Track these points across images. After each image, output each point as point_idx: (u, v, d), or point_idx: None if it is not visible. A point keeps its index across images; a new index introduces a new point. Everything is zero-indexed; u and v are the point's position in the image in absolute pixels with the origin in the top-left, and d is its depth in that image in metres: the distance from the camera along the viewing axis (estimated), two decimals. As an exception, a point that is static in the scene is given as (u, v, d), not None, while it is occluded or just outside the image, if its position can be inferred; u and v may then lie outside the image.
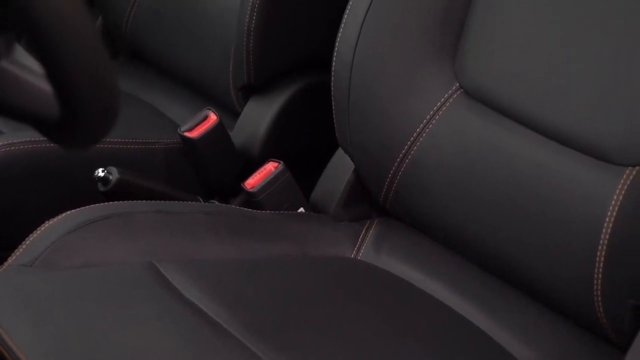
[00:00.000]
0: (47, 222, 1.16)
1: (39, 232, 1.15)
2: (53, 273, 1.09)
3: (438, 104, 1.25)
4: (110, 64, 0.78)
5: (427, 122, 1.25)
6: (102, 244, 1.16)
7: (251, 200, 1.39)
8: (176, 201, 1.34)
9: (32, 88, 0.79)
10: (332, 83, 1.31)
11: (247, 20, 1.46)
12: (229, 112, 1.59)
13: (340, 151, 1.38)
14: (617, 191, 1.09)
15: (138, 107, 1.70)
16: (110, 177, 1.36)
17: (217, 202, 1.50)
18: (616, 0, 1.13)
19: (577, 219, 1.11)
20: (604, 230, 1.09)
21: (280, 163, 1.40)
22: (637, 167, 1.09)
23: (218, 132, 1.46)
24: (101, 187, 1.37)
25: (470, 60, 1.25)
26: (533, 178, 1.16)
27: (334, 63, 1.30)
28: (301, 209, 1.41)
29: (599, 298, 1.10)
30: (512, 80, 1.20)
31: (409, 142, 1.26)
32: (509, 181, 1.18)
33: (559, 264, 1.14)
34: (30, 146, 1.38)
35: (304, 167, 1.44)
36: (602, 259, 1.09)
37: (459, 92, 1.25)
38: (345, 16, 1.28)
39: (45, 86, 0.78)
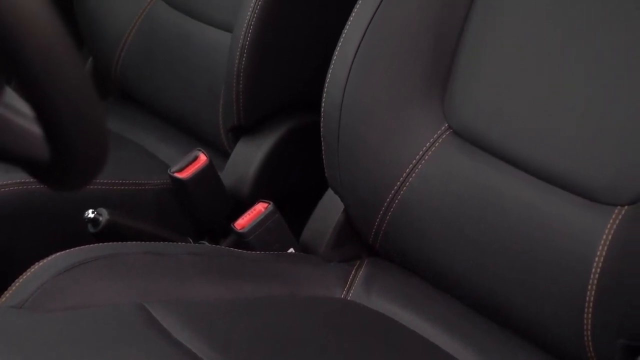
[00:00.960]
0: (37, 263, 1.16)
1: (28, 273, 1.14)
2: (43, 315, 1.09)
3: (427, 144, 1.26)
4: (100, 106, 0.78)
5: (417, 163, 1.25)
6: (92, 286, 1.16)
7: (241, 240, 1.39)
8: (166, 242, 1.34)
9: (22, 131, 0.79)
10: (321, 123, 1.31)
11: (236, 61, 1.46)
12: (219, 152, 1.59)
13: (330, 191, 1.38)
14: (606, 231, 1.09)
15: (128, 148, 1.70)
16: (100, 219, 1.36)
17: (207, 243, 1.49)
18: (602, 41, 1.14)
19: (567, 258, 1.12)
20: (593, 269, 1.09)
21: (270, 204, 1.40)
22: (625, 207, 1.09)
23: (208, 173, 1.47)
24: (91, 229, 1.37)
25: (458, 100, 1.25)
26: (522, 217, 1.16)
27: (323, 103, 1.30)
28: (291, 250, 1.41)
29: (589, 338, 1.10)
30: (500, 120, 1.21)
31: (398, 183, 1.26)
32: (498, 221, 1.18)
33: (548, 303, 1.14)
34: (20, 187, 1.38)
35: (294, 208, 1.44)
36: (592, 298, 1.09)
37: (448, 133, 1.26)
38: (335, 57, 1.29)
39: (35, 129, 0.78)
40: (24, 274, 1.14)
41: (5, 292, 1.12)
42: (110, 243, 1.24)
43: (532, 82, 1.19)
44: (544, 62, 1.18)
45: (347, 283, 1.34)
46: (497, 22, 1.24)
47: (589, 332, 1.10)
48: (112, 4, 1.76)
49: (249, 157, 1.54)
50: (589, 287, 1.09)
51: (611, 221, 1.09)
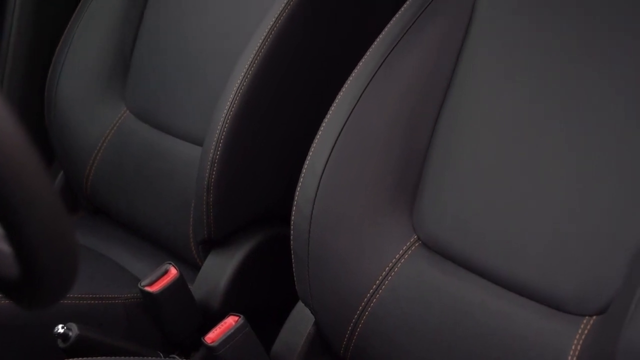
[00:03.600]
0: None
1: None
2: None
3: (397, 256, 1.26)
4: (70, 223, 0.78)
5: (386, 275, 1.26)
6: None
7: (212, 354, 1.38)
8: (136, 357, 1.33)
9: (-9, 248, 0.80)
10: (291, 236, 1.32)
11: (207, 175, 1.47)
12: (190, 266, 1.59)
13: (300, 304, 1.38)
14: (575, 341, 1.09)
15: (98, 262, 1.70)
16: (70, 334, 1.35)
17: (177, 357, 1.48)
18: (566, 158, 1.16)
19: (538, 368, 1.12)
20: (564, 379, 1.09)
21: (240, 317, 1.40)
22: (594, 317, 1.09)
23: (178, 287, 1.46)
24: (61, 344, 1.35)
25: (426, 211, 1.26)
26: (492, 328, 1.16)
27: (293, 216, 1.31)
28: (262, 363, 1.40)
29: None
30: (468, 232, 1.22)
31: (368, 295, 1.26)
32: (469, 331, 1.18)
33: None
34: (-12, 302, 1.37)
35: (265, 321, 1.43)
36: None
37: (417, 245, 1.26)
38: (304, 170, 1.30)
39: (4, 247, 0.78)
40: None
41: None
42: (81, 358, 1.23)
43: (499, 193, 1.20)
44: (509, 175, 1.20)
45: (319, 395, 1.33)
46: (463, 133, 1.26)
47: None
48: (83, 118, 1.77)
49: (219, 270, 1.54)
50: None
51: (580, 331, 1.09)
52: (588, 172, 1.14)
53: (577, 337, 1.09)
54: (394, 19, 1.32)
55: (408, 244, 1.27)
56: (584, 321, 1.10)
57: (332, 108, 1.30)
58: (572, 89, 1.17)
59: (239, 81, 1.46)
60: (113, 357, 1.26)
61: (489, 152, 1.23)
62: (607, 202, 1.12)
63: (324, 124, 1.30)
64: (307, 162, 1.30)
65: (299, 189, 1.30)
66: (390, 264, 1.26)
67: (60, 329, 1.35)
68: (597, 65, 1.16)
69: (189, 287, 1.50)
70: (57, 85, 1.78)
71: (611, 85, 1.15)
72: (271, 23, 1.47)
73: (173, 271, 1.46)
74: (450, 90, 1.29)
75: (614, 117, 1.13)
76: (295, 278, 1.34)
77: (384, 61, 1.28)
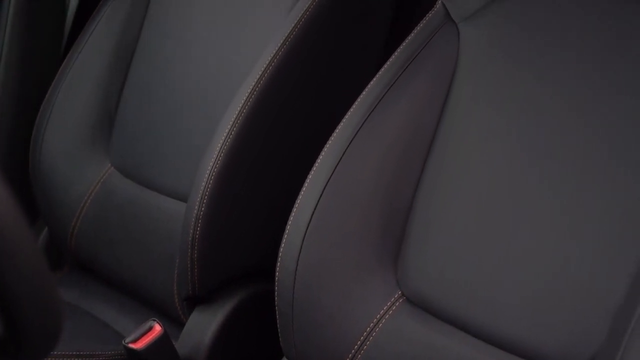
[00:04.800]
0: None
1: None
2: None
3: (381, 312, 1.26)
4: (53, 280, 0.78)
5: (371, 331, 1.26)
6: None
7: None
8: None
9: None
10: (275, 292, 1.32)
11: (191, 231, 1.47)
12: (174, 322, 1.58)
13: (285, 360, 1.38)
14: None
15: (83, 319, 1.69)
16: (54, 392, 1.34)
17: (161, 414, 1.47)
18: (549, 213, 1.16)
19: None
20: None
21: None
22: (578, 373, 1.10)
23: (163, 343, 1.45)
24: (43, 402, 1.35)
25: (410, 268, 1.27)
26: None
27: (277, 272, 1.31)
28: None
29: None
30: (452, 288, 1.22)
31: (352, 351, 1.26)
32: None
33: None
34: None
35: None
36: None
37: (401, 300, 1.26)
38: (288, 227, 1.30)
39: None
40: None
41: None
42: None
43: (483, 249, 1.20)
44: (494, 231, 1.20)
45: None
46: (447, 188, 1.26)
47: None
48: (67, 174, 1.77)
49: (203, 326, 1.54)
50: None
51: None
52: (571, 230, 1.14)
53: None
54: (377, 75, 1.33)
55: (392, 299, 1.27)
56: (569, 377, 1.10)
57: (316, 164, 1.30)
58: (555, 143, 1.18)
59: (223, 137, 1.47)
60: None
61: (472, 207, 1.23)
62: (591, 260, 1.12)
63: (307, 181, 1.30)
64: (291, 218, 1.30)
65: (283, 245, 1.30)
66: (375, 320, 1.26)
67: (43, 386, 1.35)
68: (581, 114, 1.18)
69: (174, 343, 1.49)
70: (42, 141, 1.78)
71: (594, 134, 1.16)
72: (255, 80, 1.48)
73: (157, 328, 1.45)
74: (433, 145, 1.30)
75: (599, 170, 1.14)
76: (279, 334, 1.34)
77: (367, 118, 1.29)
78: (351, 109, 1.32)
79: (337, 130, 1.31)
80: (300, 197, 1.30)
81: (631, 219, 1.11)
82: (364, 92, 1.32)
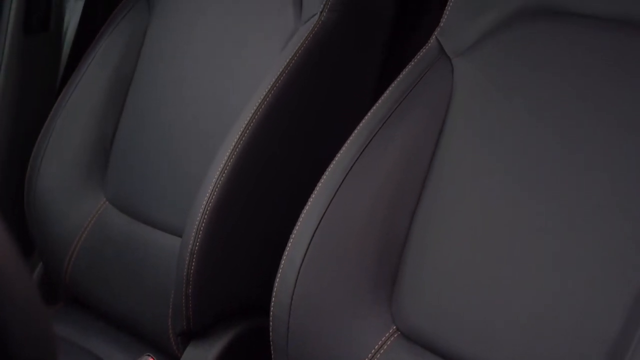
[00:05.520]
0: None
1: None
2: None
3: (376, 347, 1.26)
4: (48, 314, 0.78)
5: (365, 367, 1.26)
6: None
7: None
8: None
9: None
10: (270, 327, 1.32)
11: (186, 266, 1.47)
12: (169, 357, 1.58)
13: (280, 396, 1.37)
14: None
15: (77, 354, 1.68)
16: None
17: None
18: (545, 247, 1.17)
19: None
20: None
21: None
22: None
23: (157, 378, 1.45)
24: None
25: (405, 302, 1.26)
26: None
27: (272, 307, 1.31)
28: None
29: None
30: (447, 323, 1.22)
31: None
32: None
33: None
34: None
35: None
36: None
37: (396, 335, 1.26)
38: (283, 262, 1.30)
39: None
40: None
41: None
42: None
43: (478, 283, 1.20)
44: (489, 264, 1.20)
45: None
46: (441, 222, 1.27)
47: None
48: (63, 209, 1.77)
49: (198, 362, 1.54)
50: None
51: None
52: (566, 263, 1.14)
53: None
54: (372, 110, 1.34)
55: (387, 334, 1.26)
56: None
57: (311, 199, 1.30)
58: (549, 177, 1.19)
59: (218, 171, 1.47)
60: None
61: (467, 241, 1.23)
62: (586, 292, 1.12)
63: (302, 215, 1.30)
64: (285, 253, 1.30)
65: (277, 280, 1.30)
66: (370, 355, 1.25)
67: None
68: (576, 149, 1.18)
69: (169, 378, 1.49)
70: (38, 175, 1.78)
71: (590, 168, 1.16)
72: (250, 114, 1.48)
73: (152, 363, 1.45)
74: (428, 179, 1.30)
75: (594, 203, 1.15)
76: (275, 369, 1.33)
77: (361, 153, 1.30)
78: (346, 144, 1.32)
79: (332, 165, 1.31)
80: (294, 231, 1.30)
81: (626, 249, 1.11)
82: (358, 127, 1.32)
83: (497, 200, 1.22)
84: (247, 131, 1.48)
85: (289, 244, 1.30)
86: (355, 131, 1.32)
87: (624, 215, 1.13)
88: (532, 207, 1.19)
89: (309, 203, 1.31)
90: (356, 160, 1.30)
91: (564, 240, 1.15)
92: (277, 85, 1.50)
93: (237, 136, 1.48)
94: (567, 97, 1.21)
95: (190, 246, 1.47)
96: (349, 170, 1.29)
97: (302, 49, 1.51)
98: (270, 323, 1.31)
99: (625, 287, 1.10)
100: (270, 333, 1.31)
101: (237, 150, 1.47)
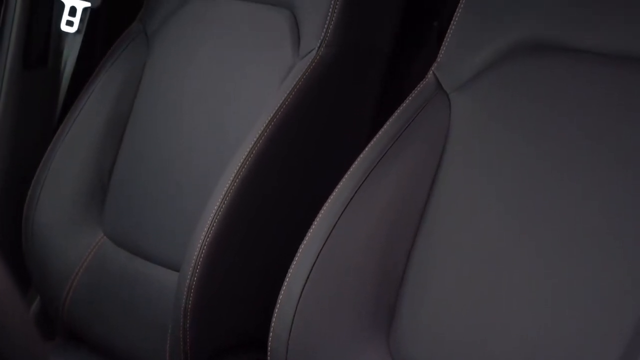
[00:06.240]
0: None
1: None
2: None
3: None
4: (45, 350, 0.78)
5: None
6: None
7: None
8: None
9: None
10: (268, 362, 1.32)
11: (183, 301, 1.47)
12: (167, 391, 1.58)
13: None
14: None
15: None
16: None
17: None
18: (541, 280, 1.17)
19: None
20: None
21: None
22: None
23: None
24: None
25: (404, 336, 1.26)
26: None
27: (270, 343, 1.30)
28: None
29: None
30: (446, 354, 1.21)
31: None
32: None
33: None
34: None
35: None
36: None
37: (395, 369, 1.26)
38: (281, 297, 1.30)
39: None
40: None
41: None
42: None
43: (477, 315, 1.20)
44: (488, 296, 1.20)
45: None
46: (439, 255, 1.27)
47: None
48: (60, 244, 1.77)
49: (195, 397, 1.53)
50: None
51: None
52: (565, 296, 1.14)
53: None
54: (369, 145, 1.34)
55: (386, 367, 1.26)
56: None
57: (309, 234, 1.30)
58: (548, 212, 1.19)
59: (216, 206, 1.47)
60: None
61: (464, 275, 1.23)
62: (583, 329, 1.12)
63: (300, 250, 1.30)
64: (283, 288, 1.30)
65: (275, 314, 1.30)
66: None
67: None
68: (574, 182, 1.19)
69: (166, 414, 1.48)
70: (35, 209, 1.78)
71: (588, 201, 1.17)
72: (248, 150, 1.49)
73: (149, 398, 1.45)
74: (425, 214, 1.30)
75: (592, 238, 1.15)
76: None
77: (359, 188, 1.30)
78: (344, 178, 1.32)
79: (330, 199, 1.32)
80: (292, 265, 1.30)
81: (623, 279, 1.11)
82: (356, 162, 1.33)
83: (495, 233, 1.22)
84: (245, 165, 1.48)
85: (287, 278, 1.30)
86: (353, 166, 1.33)
87: (620, 246, 1.13)
88: (530, 239, 1.19)
89: (307, 237, 1.31)
90: (354, 194, 1.30)
91: (562, 272, 1.15)
92: (275, 119, 1.50)
93: (235, 170, 1.48)
94: (564, 130, 1.22)
95: (187, 281, 1.47)
96: (347, 204, 1.29)
97: (300, 83, 1.52)
98: (268, 357, 1.31)
99: (624, 316, 1.10)
100: (268, 368, 1.31)
101: (235, 184, 1.48)
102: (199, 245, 1.46)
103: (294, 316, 1.27)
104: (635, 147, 1.16)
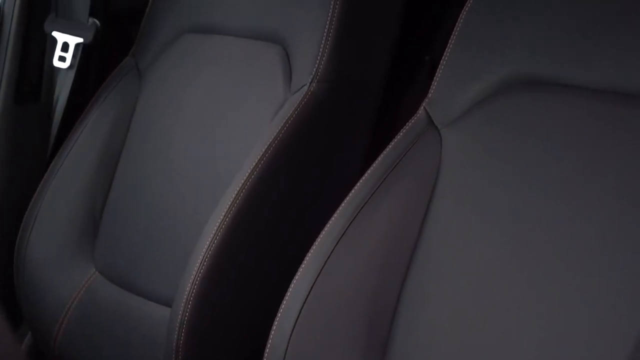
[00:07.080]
0: None
1: None
2: None
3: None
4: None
5: None
6: None
7: None
8: None
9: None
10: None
11: (175, 337, 1.47)
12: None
13: None
14: None
15: None
16: None
17: None
18: (537, 308, 1.17)
19: None
20: None
21: None
22: None
23: None
24: None
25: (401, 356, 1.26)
26: None
27: (266, 353, 1.30)
28: None
29: None
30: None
31: None
32: None
33: None
34: None
35: None
36: None
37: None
38: (273, 332, 1.29)
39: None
40: None
41: None
42: None
43: (471, 347, 1.20)
44: (481, 326, 1.20)
45: None
46: (432, 286, 1.27)
47: None
48: (52, 279, 1.77)
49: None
50: None
51: None
52: (557, 324, 1.14)
53: None
54: (360, 181, 1.34)
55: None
56: None
57: (301, 268, 1.30)
58: (537, 240, 1.19)
59: (208, 241, 1.47)
60: None
61: (457, 310, 1.23)
62: (578, 356, 1.12)
63: (292, 285, 1.30)
64: (275, 322, 1.30)
65: (267, 349, 1.30)
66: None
67: None
68: (566, 217, 1.19)
69: None
70: (27, 245, 1.78)
71: (579, 233, 1.17)
72: (240, 185, 1.49)
73: None
74: (417, 249, 1.30)
75: (583, 261, 1.15)
76: None
77: (350, 223, 1.30)
78: (335, 214, 1.33)
79: (321, 235, 1.32)
80: (284, 302, 1.30)
81: (618, 301, 1.12)
82: (347, 198, 1.33)
83: (487, 263, 1.22)
84: (237, 200, 1.48)
85: (279, 314, 1.30)
86: (345, 201, 1.33)
87: (613, 270, 1.13)
88: (523, 268, 1.19)
89: (298, 273, 1.31)
90: (345, 230, 1.30)
91: (554, 298, 1.16)
92: (267, 154, 1.50)
93: (228, 205, 1.48)
94: (555, 164, 1.22)
95: (179, 317, 1.47)
96: (339, 240, 1.30)
97: (292, 118, 1.52)
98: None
99: (618, 340, 1.10)
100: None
101: (227, 219, 1.48)
102: (190, 281, 1.46)
103: (285, 352, 1.27)
104: (627, 181, 1.17)
